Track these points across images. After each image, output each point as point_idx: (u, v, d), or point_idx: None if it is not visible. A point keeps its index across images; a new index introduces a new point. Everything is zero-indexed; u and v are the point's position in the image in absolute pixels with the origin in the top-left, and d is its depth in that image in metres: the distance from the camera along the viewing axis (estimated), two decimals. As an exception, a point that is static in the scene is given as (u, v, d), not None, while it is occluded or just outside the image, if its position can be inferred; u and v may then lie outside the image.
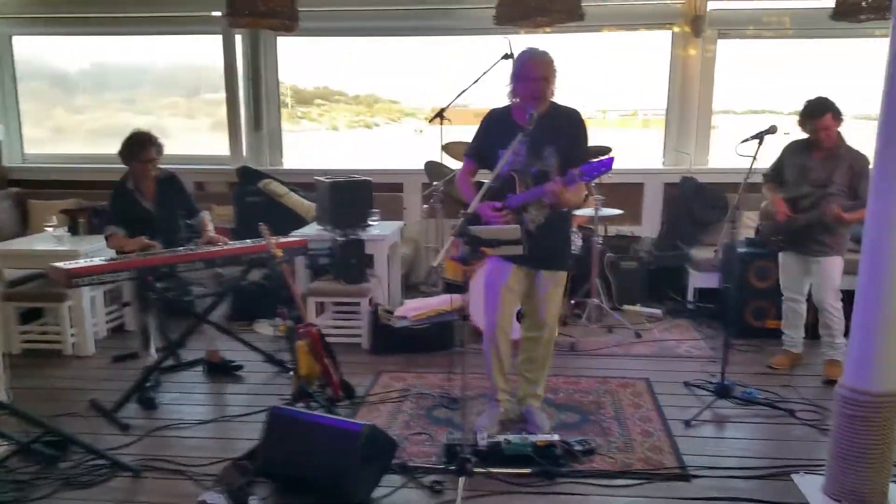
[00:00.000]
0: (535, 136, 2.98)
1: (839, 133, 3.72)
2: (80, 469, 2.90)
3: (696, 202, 5.41)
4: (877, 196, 2.48)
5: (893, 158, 2.42)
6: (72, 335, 4.37)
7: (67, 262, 3.43)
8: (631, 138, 6.24)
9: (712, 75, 5.62)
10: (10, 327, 4.31)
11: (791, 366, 4.07)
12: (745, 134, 3.52)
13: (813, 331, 4.10)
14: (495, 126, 3.13)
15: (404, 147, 6.49)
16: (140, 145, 3.72)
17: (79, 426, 3.16)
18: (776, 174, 3.95)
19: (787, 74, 5.66)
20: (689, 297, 5.18)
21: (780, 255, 4.02)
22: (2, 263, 4.26)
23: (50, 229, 4.57)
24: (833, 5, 4.20)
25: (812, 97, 3.72)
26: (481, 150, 3.18)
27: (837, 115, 3.67)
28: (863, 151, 3.68)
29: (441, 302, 4.48)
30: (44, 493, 2.75)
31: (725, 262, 3.94)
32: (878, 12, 3.91)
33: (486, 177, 2.99)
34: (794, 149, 3.87)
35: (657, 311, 5.08)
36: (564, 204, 3.02)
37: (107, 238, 3.73)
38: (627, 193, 5.59)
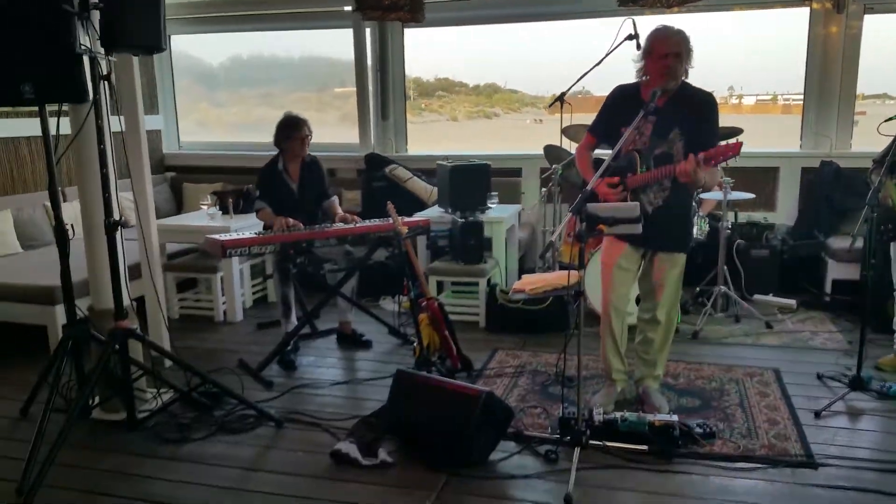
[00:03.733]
0: (662, 117, 2.96)
1: None
2: (231, 417, 3.26)
3: (835, 188, 5.09)
4: None
5: None
6: (222, 303, 4.85)
7: (221, 235, 3.82)
8: (767, 122, 5.95)
9: (857, 54, 5.24)
10: (169, 295, 4.85)
11: None
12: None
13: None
14: (622, 102, 3.09)
15: (523, 135, 6.56)
16: (295, 125, 4.09)
17: (229, 382, 3.51)
18: (884, 159, 3.52)
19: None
20: (826, 288, 4.90)
21: (892, 245, 3.69)
22: (163, 238, 4.78)
23: (204, 208, 5.10)
24: None
25: None
26: (605, 126, 3.17)
27: None
28: None
29: (558, 277, 4.52)
30: (202, 435, 3.12)
31: (865, 249, 3.69)
32: None
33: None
34: None
35: (791, 302, 4.84)
36: (697, 185, 2.95)
37: (257, 211, 4.11)
38: (761, 178, 5.35)
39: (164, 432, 3.13)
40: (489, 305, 4.55)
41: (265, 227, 4.05)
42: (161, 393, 3.35)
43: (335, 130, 6.62)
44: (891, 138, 3.21)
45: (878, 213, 3.34)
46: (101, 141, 2.92)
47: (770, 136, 5.84)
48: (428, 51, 6.54)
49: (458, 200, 4.80)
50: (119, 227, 2.97)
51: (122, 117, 3.28)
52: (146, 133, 3.68)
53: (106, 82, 2.87)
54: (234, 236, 3.81)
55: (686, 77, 2.99)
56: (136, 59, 3.50)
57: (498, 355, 4.07)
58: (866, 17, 5.20)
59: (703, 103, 3.01)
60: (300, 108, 6.72)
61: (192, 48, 7.12)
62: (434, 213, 5.01)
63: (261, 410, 3.24)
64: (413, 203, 5.59)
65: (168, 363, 3.76)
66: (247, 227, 4.50)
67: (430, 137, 6.77)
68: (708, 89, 3.06)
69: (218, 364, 3.86)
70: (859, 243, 3.71)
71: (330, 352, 4.24)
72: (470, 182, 4.81)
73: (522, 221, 5.74)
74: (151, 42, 2.94)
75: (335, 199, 4.34)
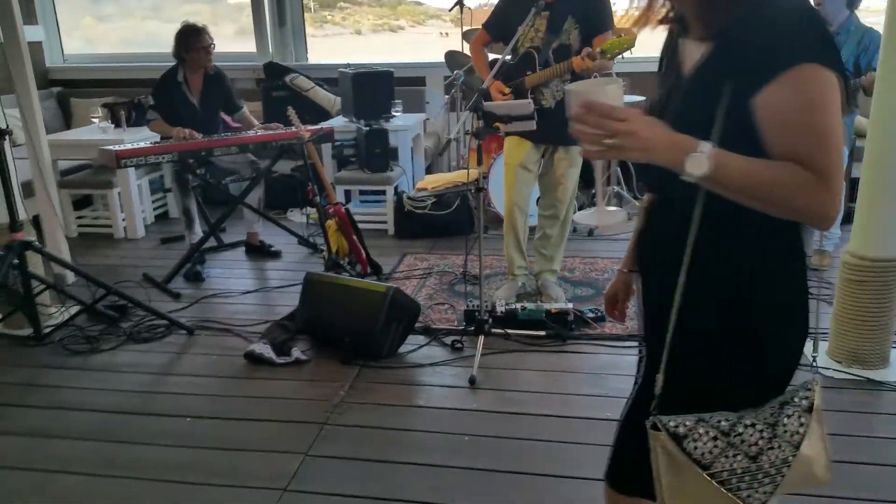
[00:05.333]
0: (554, 11, 3.02)
1: (851, 10, 3.57)
2: (140, 328, 3.27)
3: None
4: (886, 65, 2.56)
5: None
6: (122, 219, 4.71)
7: (115, 145, 3.69)
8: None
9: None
10: (65, 213, 4.65)
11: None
12: None
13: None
14: (514, 0, 3.14)
15: (428, 49, 6.48)
16: (196, 33, 3.91)
17: (136, 294, 3.46)
18: None
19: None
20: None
21: None
22: (54, 154, 4.54)
23: (95, 121, 4.84)
24: None
25: None
26: (498, 24, 3.23)
27: None
28: None
29: (458, 175, 4.65)
30: (111, 346, 3.13)
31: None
32: None
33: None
34: None
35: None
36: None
37: (149, 122, 3.96)
38: (652, 82, 5.58)
39: (71, 345, 3.12)
40: (397, 212, 4.65)
41: (162, 139, 3.92)
42: (66, 308, 3.30)
43: (232, 44, 6.31)
44: None
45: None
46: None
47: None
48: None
49: (362, 109, 4.78)
50: (5, 137, 2.83)
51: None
52: (27, 44, 3.44)
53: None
54: (129, 146, 3.68)
55: None
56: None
57: (407, 259, 4.21)
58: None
59: None
60: (193, 21, 6.39)
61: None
62: (339, 122, 4.98)
63: (170, 318, 3.27)
64: (317, 113, 5.51)
65: (71, 280, 3.67)
66: (141, 139, 4.32)
67: (333, 51, 6.58)
68: None
69: (122, 278, 3.79)
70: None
71: (238, 263, 4.25)
72: (373, 90, 4.79)
73: (428, 130, 5.78)
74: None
75: (245, 109, 4.23)
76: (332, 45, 6.65)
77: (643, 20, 1.19)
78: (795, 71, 0.99)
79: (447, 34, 6.40)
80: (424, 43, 6.72)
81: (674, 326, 1.13)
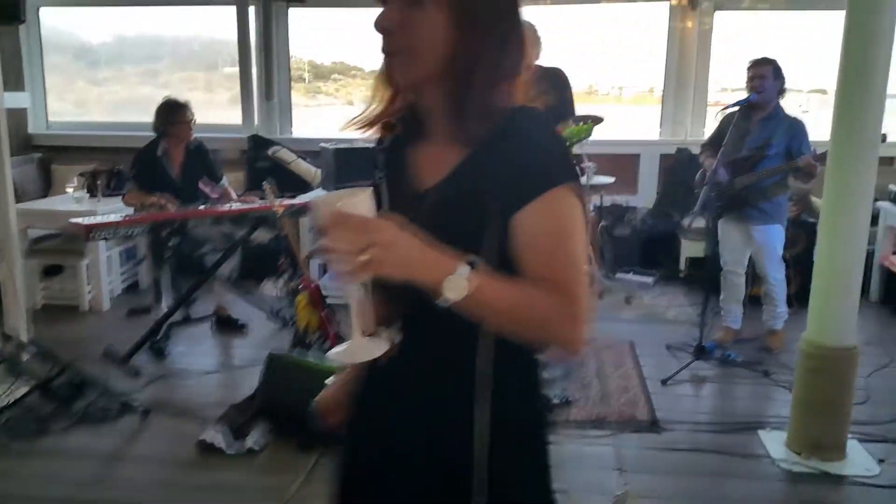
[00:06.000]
0: None
1: (778, 101, 3.71)
2: (93, 408, 3.16)
3: (690, 173, 5.52)
4: (835, 157, 2.62)
5: (849, 123, 2.55)
6: (88, 291, 4.64)
7: (86, 218, 3.67)
8: (645, 113, 6.28)
9: (709, 48, 5.68)
10: (31, 283, 4.58)
11: (731, 342, 4.00)
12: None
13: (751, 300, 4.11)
14: None
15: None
16: (176, 108, 3.97)
17: (92, 372, 3.39)
18: (714, 143, 3.87)
19: (786, 47, 5.69)
20: (681, 265, 5.33)
21: (720, 224, 3.91)
22: (25, 222, 4.51)
23: (70, 191, 4.83)
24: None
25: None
26: None
27: (779, 75, 3.66)
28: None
29: None
30: (61, 427, 3.02)
31: (707, 228, 4.05)
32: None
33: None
34: (732, 117, 3.78)
35: (648, 279, 5.24)
36: None
37: (124, 194, 3.97)
38: (624, 164, 5.71)
39: (18, 426, 3.01)
40: (370, 287, 4.61)
41: (137, 210, 3.92)
42: (17, 385, 3.21)
43: (225, 112, 6.41)
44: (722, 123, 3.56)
45: (704, 193, 3.70)
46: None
47: (634, 123, 6.21)
48: (324, 33, 6.46)
49: (342, 182, 4.82)
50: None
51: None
52: (5, 110, 3.46)
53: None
54: (101, 219, 3.67)
55: (536, 59, 3.19)
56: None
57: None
58: (717, 13, 5.64)
59: (554, 78, 3.28)
60: (187, 88, 6.49)
61: (67, 23, 6.66)
62: (319, 195, 5.01)
63: (125, 399, 3.18)
64: (299, 185, 5.56)
65: (28, 354, 3.58)
66: (116, 210, 4.32)
67: (324, 121, 6.71)
68: (591, 80, 3.30)
69: (82, 353, 3.71)
70: (698, 222, 4.04)
71: (204, 338, 4.18)
72: (354, 164, 4.84)
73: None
74: (9, 12, 2.78)
75: (225, 181, 4.27)
76: (324, 115, 6.77)
77: (373, 123, 1.10)
78: (552, 193, 0.96)
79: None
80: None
81: None
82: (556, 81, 3.24)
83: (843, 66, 2.53)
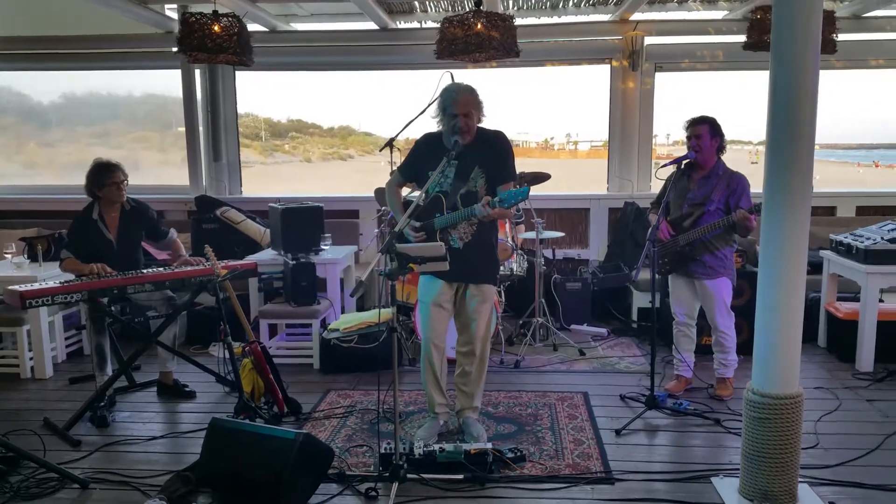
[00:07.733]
0: (462, 161, 3.22)
1: (719, 156, 3.85)
2: (29, 482, 3.01)
3: (636, 226, 5.68)
4: (769, 209, 2.71)
5: (781, 173, 2.67)
6: (29, 359, 4.47)
7: (22, 286, 3.56)
8: (600, 166, 6.49)
9: (651, 106, 5.95)
10: (-32, 352, 4.41)
11: (683, 390, 4.09)
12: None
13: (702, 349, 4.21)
14: (427, 148, 3.35)
15: (378, 177, 6.68)
16: (107, 169, 3.91)
17: (31, 443, 3.26)
18: (660, 201, 4.02)
19: (723, 104, 6.00)
20: (633, 316, 5.41)
21: (670, 279, 4.06)
22: (-39, 289, 4.35)
23: (9, 256, 4.71)
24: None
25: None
26: (412, 170, 3.42)
27: (716, 133, 3.80)
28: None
29: (372, 315, 4.62)
30: (-8, 505, 2.87)
31: (654, 281, 4.15)
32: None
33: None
34: (675, 175, 3.94)
35: (602, 330, 5.30)
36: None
37: (61, 261, 3.87)
38: (574, 218, 5.86)
39: (-57, 506, 2.85)
40: (323, 346, 4.57)
41: (77, 277, 3.82)
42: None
43: (179, 171, 6.40)
44: (666, 182, 3.69)
45: (657, 248, 3.79)
46: None
47: (583, 178, 6.40)
48: (280, 93, 6.54)
49: (290, 242, 4.80)
50: None
51: None
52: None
53: None
54: (37, 286, 3.57)
55: (479, 122, 3.27)
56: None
57: (329, 396, 4.09)
58: (657, 74, 5.92)
59: (497, 142, 3.32)
60: (141, 147, 6.45)
61: (17, 84, 6.62)
62: (269, 255, 4.98)
63: (62, 472, 3.02)
64: (248, 245, 5.52)
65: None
66: (57, 276, 4.21)
67: (281, 179, 6.73)
68: (501, 129, 3.37)
69: (20, 424, 3.57)
70: (642, 275, 4.12)
71: (149, 405, 4.04)
72: (302, 224, 4.84)
73: (361, 262, 5.83)
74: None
75: (173, 232, 4.21)
76: (279, 173, 6.79)
77: None
78: None
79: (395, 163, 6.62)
80: (373, 171, 6.92)
81: None
82: (498, 145, 3.32)
83: (770, 121, 2.66)
